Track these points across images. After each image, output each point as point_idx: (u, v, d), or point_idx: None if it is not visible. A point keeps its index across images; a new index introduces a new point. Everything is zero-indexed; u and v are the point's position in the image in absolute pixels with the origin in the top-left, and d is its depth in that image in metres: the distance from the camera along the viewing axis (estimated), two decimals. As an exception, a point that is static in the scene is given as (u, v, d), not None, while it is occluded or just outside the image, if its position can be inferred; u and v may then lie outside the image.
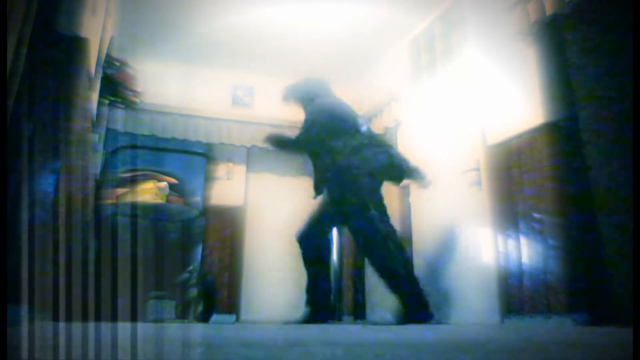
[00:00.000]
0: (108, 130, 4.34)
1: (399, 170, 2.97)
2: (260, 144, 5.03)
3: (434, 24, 4.13)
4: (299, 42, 4.54)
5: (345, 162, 2.82)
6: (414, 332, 1.79)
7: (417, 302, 2.58)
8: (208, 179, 4.77)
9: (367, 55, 4.75)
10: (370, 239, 2.72)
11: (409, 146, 3.90)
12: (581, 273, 2.38)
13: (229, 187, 4.89)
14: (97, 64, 3.20)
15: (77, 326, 1.84)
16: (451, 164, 3.41)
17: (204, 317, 3.30)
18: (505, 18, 3.03)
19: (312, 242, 3.08)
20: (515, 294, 2.72)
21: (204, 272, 3.66)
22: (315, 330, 1.92)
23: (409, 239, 4.09)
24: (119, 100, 4.16)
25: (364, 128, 3.04)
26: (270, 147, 3.36)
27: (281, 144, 3.23)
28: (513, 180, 2.83)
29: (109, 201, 3.31)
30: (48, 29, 2.00)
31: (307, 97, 3.22)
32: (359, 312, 4.77)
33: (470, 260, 3.21)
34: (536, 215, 2.64)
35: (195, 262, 3.53)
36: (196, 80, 4.98)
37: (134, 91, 4.17)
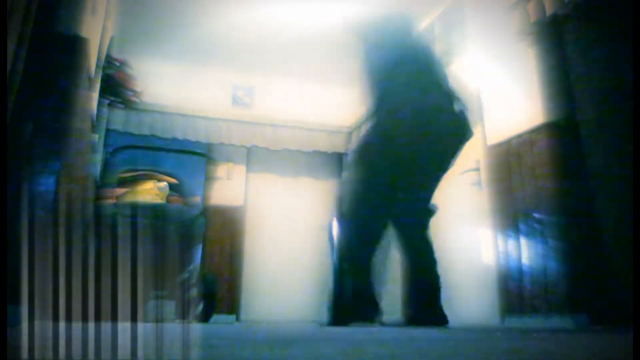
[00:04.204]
0: (108, 130, 4.34)
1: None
2: (260, 144, 5.04)
3: (434, 24, 4.13)
4: (299, 42, 4.54)
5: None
6: (414, 332, 1.79)
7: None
8: (208, 179, 4.77)
9: (367, 55, 4.74)
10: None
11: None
12: (581, 273, 2.38)
13: (229, 187, 4.89)
14: (97, 64, 3.20)
15: (77, 326, 1.84)
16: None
17: (204, 317, 3.30)
18: (505, 18, 3.03)
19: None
20: (515, 294, 2.72)
21: (204, 272, 3.67)
22: (315, 330, 1.92)
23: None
24: (119, 100, 4.17)
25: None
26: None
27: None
28: (513, 180, 2.83)
29: (109, 201, 3.31)
30: (48, 29, 2.00)
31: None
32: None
33: (470, 260, 3.21)
34: (536, 215, 2.64)
35: (195, 262, 3.53)
36: (196, 80, 4.99)
37: (134, 91, 4.18)
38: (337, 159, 5.46)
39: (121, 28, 4.09)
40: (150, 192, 3.47)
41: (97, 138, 3.74)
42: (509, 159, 2.88)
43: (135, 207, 3.32)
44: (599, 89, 2.44)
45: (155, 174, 3.61)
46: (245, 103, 5.15)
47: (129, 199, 3.40)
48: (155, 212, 3.35)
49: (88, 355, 0.80)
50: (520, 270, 2.71)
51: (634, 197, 2.03)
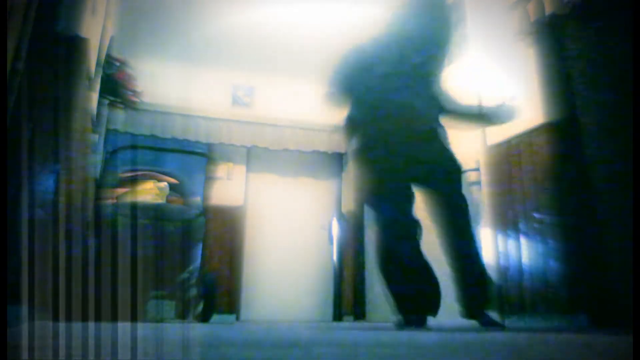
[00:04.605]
0: (108, 130, 4.34)
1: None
2: (260, 144, 5.05)
3: (434, 24, 4.12)
4: (299, 42, 4.54)
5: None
6: (414, 332, 1.79)
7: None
8: (208, 179, 4.77)
9: (367, 55, 4.75)
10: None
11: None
12: (581, 273, 2.38)
13: (229, 187, 4.89)
14: (97, 64, 3.20)
15: (77, 326, 1.84)
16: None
17: (204, 317, 3.30)
18: (505, 18, 3.03)
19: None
20: (515, 294, 2.72)
21: (204, 272, 3.67)
22: (315, 331, 1.92)
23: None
24: (119, 100, 4.17)
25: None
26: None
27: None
28: (513, 180, 2.83)
29: (109, 201, 3.31)
30: (48, 29, 2.00)
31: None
32: (359, 312, 4.78)
33: (470, 260, 3.21)
34: (536, 215, 2.64)
35: (195, 262, 3.53)
36: (196, 80, 4.99)
37: (134, 91, 4.18)
38: (337, 159, 5.46)
39: (121, 28, 4.09)
40: (150, 192, 3.47)
41: (97, 138, 3.74)
42: (509, 159, 2.88)
43: (135, 207, 3.32)
44: (598, 88, 2.44)
45: (155, 174, 3.61)
46: (245, 103, 5.15)
47: (129, 199, 3.40)
48: (155, 212, 3.35)
49: (88, 355, 0.80)
50: (520, 270, 2.71)
51: (634, 197, 2.03)
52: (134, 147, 4.08)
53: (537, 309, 2.57)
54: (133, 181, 3.53)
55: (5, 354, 0.73)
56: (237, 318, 4.58)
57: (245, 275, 4.78)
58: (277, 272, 4.86)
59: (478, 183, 3.20)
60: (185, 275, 3.41)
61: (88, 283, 3.04)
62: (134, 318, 3.18)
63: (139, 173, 3.57)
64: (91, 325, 2.00)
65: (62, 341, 1.01)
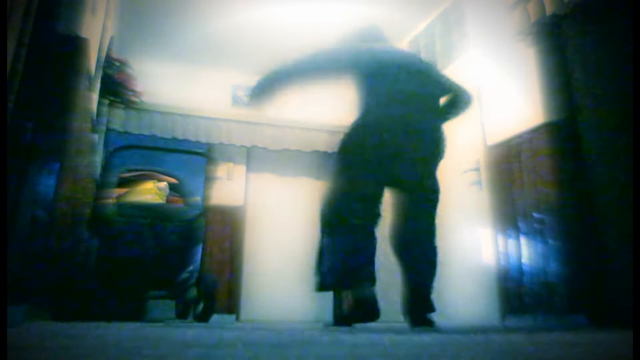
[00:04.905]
0: (108, 130, 4.34)
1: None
2: (260, 144, 5.04)
3: (434, 24, 4.13)
4: (298, 42, 4.53)
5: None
6: (414, 332, 1.79)
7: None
8: (208, 179, 4.76)
9: (367, 55, 4.74)
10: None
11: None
12: (581, 273, 2.38)
13: (229, 187, 4.89)
14: (97, 64, 3.20)
15: (77, 326, 1.85)
16: (451, 164, 3.42)
17: (204, 317, 3.29)
18: (505, 18, 3.03)
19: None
20: (515, 294, 2.72)
21: (204, 272, 3.67)
22: (314, 331, 1.92)
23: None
24: (119, 100, 4.17)
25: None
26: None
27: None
28: (513, 180, 2.83)
29: (109, 201, 3.31)
30: (48, 29, 2.00)
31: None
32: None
33: (470, 260, 3.21)
34: (536, 215, 2.64)
35: (195, 262, 3.53)
36: (196, 80, 4.98)
37: (134, 91, 4.18)
38: (337, 159, 5.46)
39: (121, 28, 4.09)
40: (150, 192, 3.47)
41: (97, 138, 3.74)
42: (509, 159, 2.88)
43: (135, 207, 3.32)
44: (598, 88, 2.44)
45: (155, 174, 3.61)
46: (246, 103, 5.15)
47: (129, 199, 3.40)
48: (155, 212, 3.34)
49: (88, 355, 0.80)
50: (520, 270, 2.71)
51: (634, 197, 2.03)
52: (134, 147, 4.07)
53: (537, 309, 2.57)
54: (133, 181, 3.53)
55: (6, 354, 0.73)
56: (237, 318, 4.58)
57: (245, 275, 4.78)
58: (277, 272, 4.86)
59: (478, 183, 3.20)
60: (185, 275, 3.41)
61: (88, 283, 3.05)
62: (134, 318, 3.19)
63: (139, 173, 3.57)
64: (91, 325, 2.00)
65: (62, 341, 1.01)
